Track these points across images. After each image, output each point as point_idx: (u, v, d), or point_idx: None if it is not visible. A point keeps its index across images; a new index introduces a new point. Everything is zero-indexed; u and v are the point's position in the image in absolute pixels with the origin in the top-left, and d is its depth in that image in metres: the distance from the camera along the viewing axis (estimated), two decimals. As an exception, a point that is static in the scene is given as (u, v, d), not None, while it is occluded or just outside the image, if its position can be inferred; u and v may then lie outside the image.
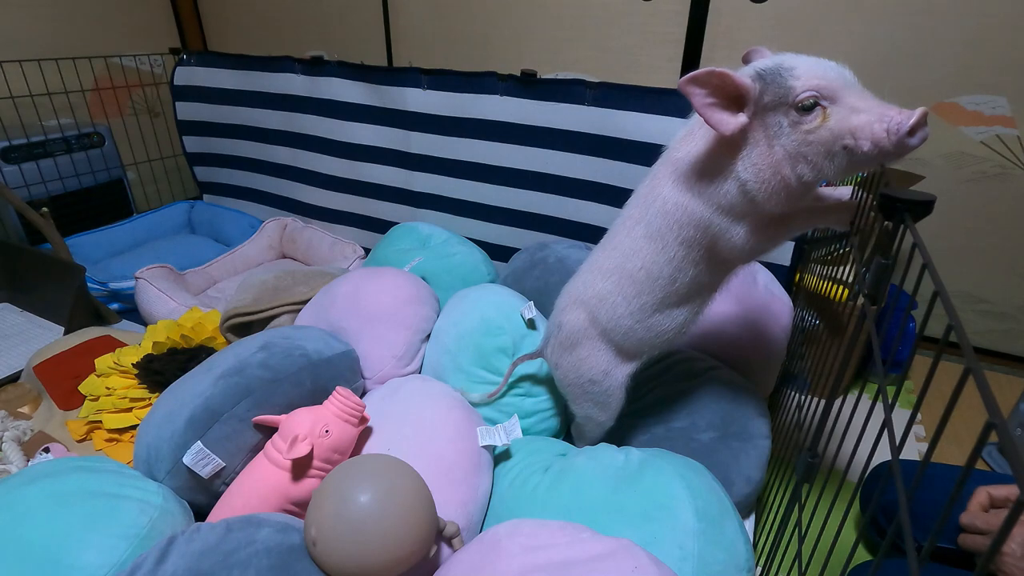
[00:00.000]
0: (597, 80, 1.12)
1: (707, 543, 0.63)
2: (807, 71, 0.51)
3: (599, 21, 1.41)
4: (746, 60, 0.59)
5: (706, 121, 0.54)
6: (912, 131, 0.47)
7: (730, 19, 1.27)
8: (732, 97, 0.54)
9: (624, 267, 0.68)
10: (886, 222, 0.46)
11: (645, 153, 1.10)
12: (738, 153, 0.56)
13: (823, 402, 0.56)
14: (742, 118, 0.54)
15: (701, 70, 0.51)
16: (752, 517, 0.83)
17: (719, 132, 0.54)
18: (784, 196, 0.56)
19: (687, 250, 0.64)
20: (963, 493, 0.29)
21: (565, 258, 1.11)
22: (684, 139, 0.63)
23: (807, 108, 0.51)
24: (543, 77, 1.16)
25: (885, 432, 0.38)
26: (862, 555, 0.82)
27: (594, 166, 1.17)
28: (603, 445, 0.79)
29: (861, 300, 0.48)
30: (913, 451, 1.01)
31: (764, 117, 0.54)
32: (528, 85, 1.17)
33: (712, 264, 0.66)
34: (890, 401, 0.39)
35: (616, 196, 1.17)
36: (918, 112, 0.47)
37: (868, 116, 0.49)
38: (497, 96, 1.21)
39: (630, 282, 0.68)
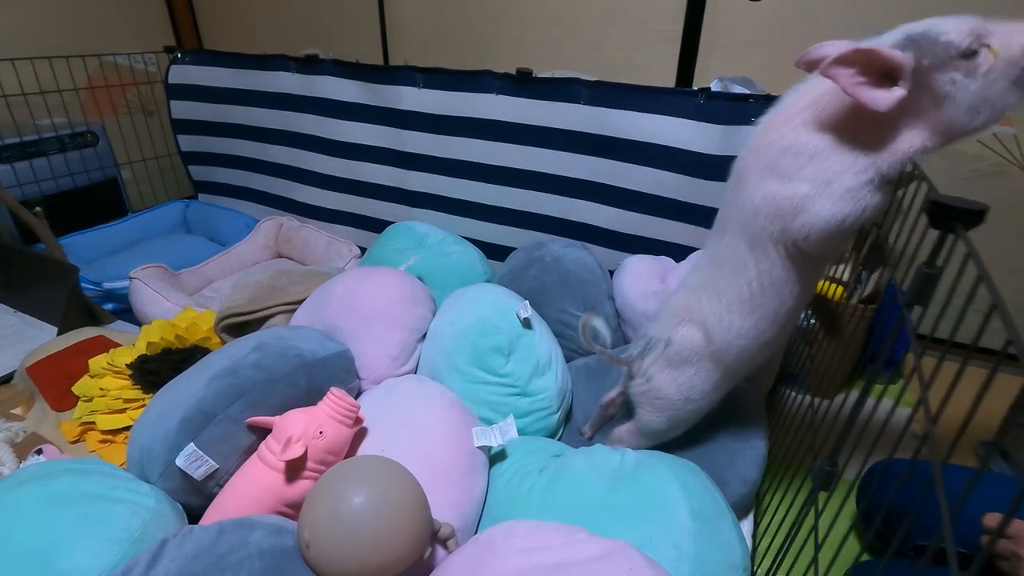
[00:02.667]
0: (593, 79, 1.12)
1: (703, 543, 0.62)
2: (948, 24, 0.51)
3: (595, 20, 1.41)
4: (806, 61, 0.58)
5: (860, 101, 0.51)
6: None
7: (727, 18, 1.27)
8: (880, 74, 0.52)
9: (736, 283, 0.67)
10: (934, 230, 0.44)
11: (641, 152, 1.10)
12: (891, 125, 0.54)
13: (841, 408, 0.55)
14: (899, 91, 0.51)
15: (844, 49, 0.50)
16: (749, 517, 0.82)
17: (876, 110, 0.51)
18: (962, 134, 0.54)
19: (781, 248, 0.62)
20: (970, 496, 0.28)
21: (561, 257, 1.10)
22: (772, 126, 0.61)
23: (973, 53, 0.50)
24: (539, 76, 1.16)
25: (899, 437, 0.38)
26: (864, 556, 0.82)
27: (590, 165, 1.16)
28: (599, 446, 0.78)
29: (856, 300, 0.47)
30: (912, 451, 1.01)
31: (929, 80, 0.52)
32: (524, 84, 1.17)
33: (806, 261, 0.64)
34: (894, 403, 0.38)
35: (612, 195, 1.17)
36: None
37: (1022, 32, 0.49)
38: (493, 95, 1.21)
39: (748, 296, 0.67)
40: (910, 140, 0.54)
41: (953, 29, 0.50)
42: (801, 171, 0.58)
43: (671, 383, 0.75)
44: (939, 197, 0.43)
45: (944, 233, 0.43)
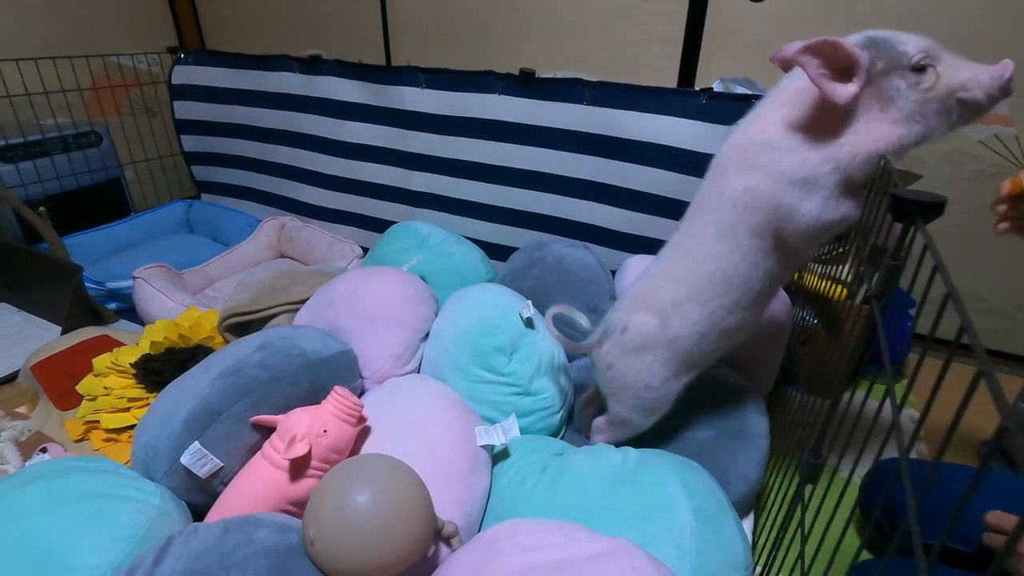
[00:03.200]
0: (596, 79, 1.12)
1: (705, 542, 0.63)
2: (908, 38, 0.55)
3: (598, 20, 1.41)
4: (780, 58, 0.63)
5: (821, 91, 0.55)
6: (1011, 79, 0.53)
7: (729, 18, 1.27)
8: (841, 68, 0.55)
9: (698, 272, 0.69)
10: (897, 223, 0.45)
11: (643, 152, 1.10)
12: (845, 122, 0.58)
13: (826, 402, 0.56)
14: (853, 87, 0.55)
15: (816, 39, 0.53)
16: (751, 516, 0.83)
17: (834, 101, 0.56)
18: (898, 151, 0.58)
19: (760, 240, 0.65)
20: (972, 495, 0.29)
21: (563, 257, 1.11)
22: (754, 123, 0.64)
23: (921, 68, 0.55)
24: (542, 76, 1.16)
25: (888, 432, 0.38)
26: (863, 554, 0.82)
27: (592, 165, 1.17)
28: (601, 445, 0.79)
29: (859, 300, 0.48)
30: (912, 451, 1.01)
31: (878, 83, 0.56)
32: (527, 84, 1.17)
33: (783, 255, 0.66)
34: (893, 402, 0.39)
35: (614, 195, 1.17)
36: (1009, 63, 0.53)
37: (970, 71, 0.54)
38: (495, 95, 1.21)
39: (707, 285, 0.68)
40: (861, 140, 0.58)
41: (911, 42, 0.55)
42: (778, 166, 0.61)
43: (630, 370, 0.76)
44: (899, 191, 0.45)
45: (907, 226, 0.45)
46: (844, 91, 0.55)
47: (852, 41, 0.56)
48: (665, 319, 0.72)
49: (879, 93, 0.57)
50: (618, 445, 0.80)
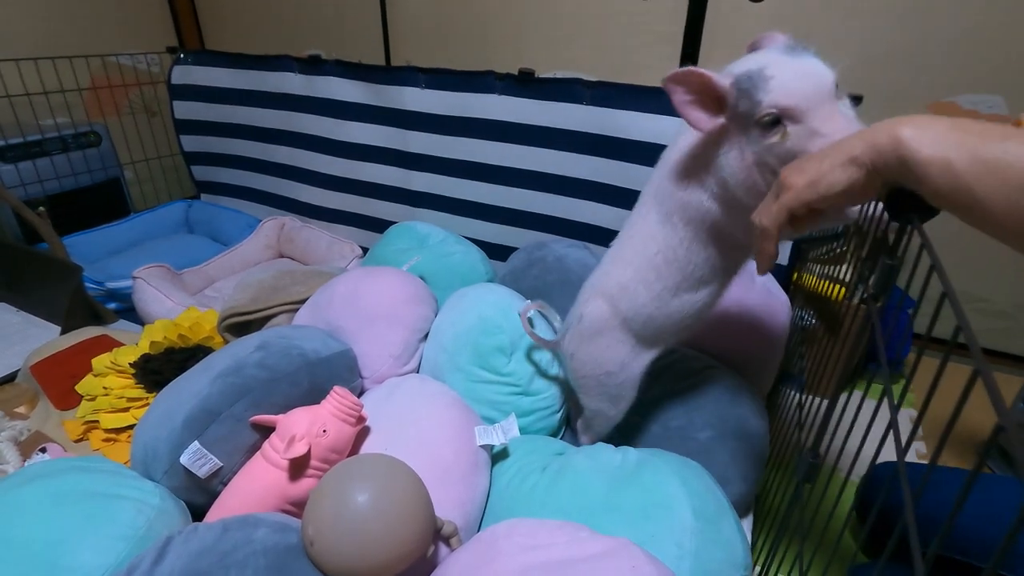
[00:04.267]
0: (595, 79, 1.12)
1: (704, 541, 0.63)
2: (779, 85, 0.50)
3: (597, 20, 1.41)
4: (753, 47, 0.59)
5: (683, 118, 0.55)
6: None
7: (728, 17, 1.27)
8: (714, 97, 0.55)
9: (642, 254, 0.70)
10: (893, 222, 0.45)
11: (643, 152, 1.10)
12: (719, 149, 0.58)
13: (825, 401, 0.56)
14: (719, 120, 0.55)
15: (683, 69, 0.53)
16: (751, 516, 0.83)
17: (695, 129, 0.56)
18: (758, 196, 0.56)
19: (695, 231, 0.65)
20: (968, 502, 0.29)
21: (563, 257, 1.11)
22: (684, 130, 0.64)
23: (770, 124, 0.51)
24: (541, 76, 1.16)
25: (883, 432, 0.38)
26: (859, 556, 0.82)
27: (592, 165, 1.17)
28: (600, 444, 0.79)
29: (857, 300, 0.48)
30: (911, 451, 1.01)
31: (739, 122, 0.55)
32: (526, 84, 1.17)
33: (722, 245, 0.66)
34: (891, 401, 0.39)
35: (614, 195, 1.17)
36: None
37: (824, 143, 0.48)
38: (495, 95, 1.21)
39: (649, 267, 0.69)
40: (721, 173, 0.58)
41: (774, 92, 0.50)
42: (693, 182, 0.62)
43: (588, 358, 0.78)
44: (895, 190, 0.44)
45: (903, 225, 0.44)
46: (707, 122, 0.55)
47: (725, 75, 0.54)
48: (615, 302, 0.73)
49: (740, 131, 0.55)
50: (611, 442, 0.80)
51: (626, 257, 0.72)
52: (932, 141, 0.38)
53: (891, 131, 0.39)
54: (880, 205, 0.47)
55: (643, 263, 0.70)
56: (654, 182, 0.69)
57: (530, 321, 0.87)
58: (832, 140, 0.47)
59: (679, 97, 0.54)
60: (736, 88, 0.53)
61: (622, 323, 0.74)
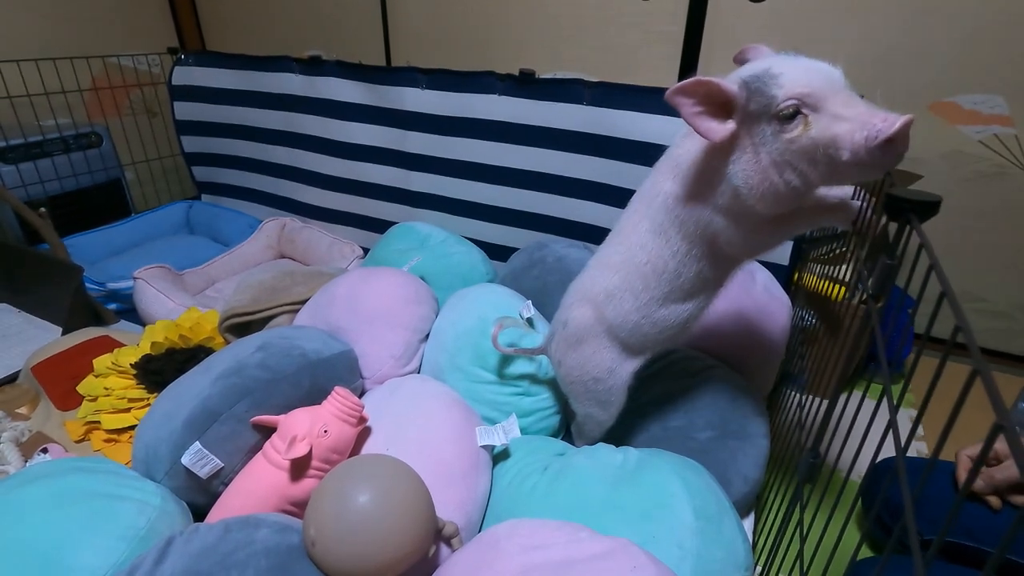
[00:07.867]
0: (595, 79, 1.12)
1: (705, 541, 0.63)
2: (791, 79, 0.50)
3: (597, 20, 1.41)
4: (739, 60, 0.59)
5: (695, 130, 0.54)
6: (892, 139, 0.45)
7: (729, 18, 1.27)
8: (720, 104, 0.54)
9: (631, 262, 0.69)
10: (892, 222, 0.45)
11: (643, 153, 1.10)
12: (729, 157, 0.57)
13: (825, 402, 0.56)
14: (730, 125, 0.54)
15: (688, 80, 0.51)
16: (751, 516, 0.83)
17: (708, 140, 0.55)
18: (774, 200, 0.56)
19: (689, 244, 0.65)
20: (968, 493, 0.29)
21: (564, 258, 1.11)
22: (685, 137, 0.63)
23: (789, 117, 0.51)
24: (541, 77, 1.16)
25: (884, 431, 0.38)
26: (864, 552, 0.82)
27: (592, 165, 1.17)
28: (601, 445, 0.79)
29: (857, 300, 0.48)
30: (911, 449, 1.02)
31: (750, 125, 0.54)
32: (526, 84, 1.17)
33: (715, 259, 0.66)
34: (889, 401, 0.39)
35: (614, 195, 1.17)
36: (902, 119, 0.45)
37: (850, 124, 0.48)
38: (495, 95, 1.21)
39: (637, 276, 0.69)
40: (732, 181, 0.57)
41: (787, 85, 0.50)
42: (700, 192, 0.61)
43: (575, 364, 0.77)
44: (893, 190, 0.44)
45: (902, 225, 0.44)
46: (720, 129, 0.53)
47: (732, 79, 0.53)
48: (600, 308, 0.73)
49: (751, 135, 0.54)
50: (611, 442, 0.80)
51: (614, 263, 0.71)
52: None
53: None
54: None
55: (631, 271, 0.69)
56: (646, 190, 0.68)
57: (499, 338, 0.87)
58: (858, 122, 0.47)
59: (688, 109, 0.53)
60: (746, 89, 0.52)
61: (607, 330, 0.74)
